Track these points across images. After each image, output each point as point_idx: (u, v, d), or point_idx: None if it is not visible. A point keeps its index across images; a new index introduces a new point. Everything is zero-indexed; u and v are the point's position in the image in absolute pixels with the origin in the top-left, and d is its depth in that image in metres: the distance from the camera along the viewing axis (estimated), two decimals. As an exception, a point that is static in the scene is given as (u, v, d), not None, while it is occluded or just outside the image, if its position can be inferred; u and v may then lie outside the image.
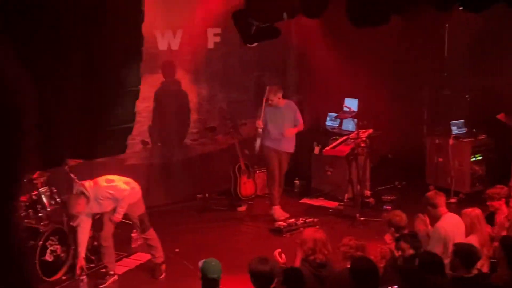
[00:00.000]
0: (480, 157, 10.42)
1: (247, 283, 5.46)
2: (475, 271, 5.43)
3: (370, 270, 5.08)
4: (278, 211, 9.54)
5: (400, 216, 6.56)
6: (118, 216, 7.46)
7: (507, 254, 5.50)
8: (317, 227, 8.61)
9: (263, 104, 9.29)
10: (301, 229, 8.47)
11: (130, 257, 8.17)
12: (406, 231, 6.43)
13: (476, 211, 6.75)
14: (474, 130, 10.61)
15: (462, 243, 6.06)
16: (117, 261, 8.01)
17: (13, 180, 2.46)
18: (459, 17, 9.43)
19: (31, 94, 2.47)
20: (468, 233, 6.65)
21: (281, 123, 9.42)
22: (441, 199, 6.83)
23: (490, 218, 7.11)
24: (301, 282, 5.01)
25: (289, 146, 9.59)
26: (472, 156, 10.36)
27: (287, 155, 9.66)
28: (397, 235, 6.30)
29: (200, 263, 5.37)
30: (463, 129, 10.63)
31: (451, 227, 6.61)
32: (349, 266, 5.44)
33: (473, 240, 6.37)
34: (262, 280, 5.11)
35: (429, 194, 7.00)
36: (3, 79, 2.35)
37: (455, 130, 10.52)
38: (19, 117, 2.44)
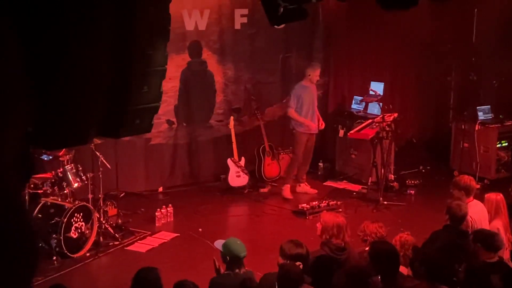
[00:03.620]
0: (506, 144, 10.33)
1: (271, 263, 5.50)
2: (496, 258, 5.40)
3: (390, 252, 5.09)
4: (287, 191, 9.75)
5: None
6: None
7: None
8: (340, 210, 8.64)
9: (300, 85, 9.46)
10: (324, 211, 8.47)
11: (154, 236, 8.27)
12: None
13: (499, 196, 6.69)
14: (500, 116, 10.50)
15: (481, 229, 6.03)
16: (141, 239, 8.13)
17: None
18: (488, 1, 9.30)
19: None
20: (491, 218, 6.60)
21: (313, 104, 9.66)
22: (474, 187, 6.78)
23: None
24: (330, 270, 5.02)
25: (316, 127, 9.74)
26: (498, 142, 10.26)
27: (315, 136, 9.82)
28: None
29: (218, 244, 5.41)
30: (489, 114, 10.53)
31: (477, 215, 6.56)
32: (367, 249, 5.45)
33: (498, 224, 6.33)
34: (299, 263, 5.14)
35: (461, 178, 6.87)
36: None
37: (481, 115, 10.42)
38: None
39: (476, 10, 10.66)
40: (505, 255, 6.02)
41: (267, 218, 9.29)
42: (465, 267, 5.13)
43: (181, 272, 6.97)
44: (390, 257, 5.05)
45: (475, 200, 6.79)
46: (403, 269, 5.49)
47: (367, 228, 5.91)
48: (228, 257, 5.29)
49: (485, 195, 6.86)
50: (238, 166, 9.91)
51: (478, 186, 9.84)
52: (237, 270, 5.24)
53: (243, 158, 9.99)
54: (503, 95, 10.58)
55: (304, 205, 9.05)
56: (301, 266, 5.10)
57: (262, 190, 10.13)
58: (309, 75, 9.58)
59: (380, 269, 4.99)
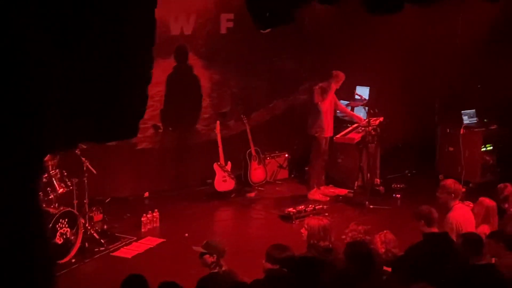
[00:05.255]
0: (491, 147, 10.39)
1: (257, 267, 5.49)
2: (483, 261, 5.43)
3: (365, 253, 5.16)
4: (317, 194, 9.89)
5: None
6: None
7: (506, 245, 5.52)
8: (326, 214, 8.65)
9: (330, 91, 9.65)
10: (311, 215, 8.48)
11: (140, 241, 8.23)
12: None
13: (493, 203, 6.72)
14: (485, 120, 10.56)
15: (469, 232, 6.06)
16: (126, 245, 8.08)
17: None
18: (473, 6, 9.35)
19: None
20: (479, 222, 6.63)
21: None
22: (459, 190, 6.81)
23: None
24: (316, 271, 5.03)
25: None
26: (483, 146, 10.32)
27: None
28: None
29: (197, 248, 5.45)
30: (474, 118, 10.59)
31: (462, 218, 6.59)
32: None
33: (486, 230, 6.35)
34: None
35: (449, 182, 6.88)
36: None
37: (466, 119, 10.48)
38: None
39: (461, 14, 10.73)
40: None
41: (254, 223, 9.28)
42: (453, 269, 5.16)
43: (167, 278, 6.92)
44: (365, 258, 5.12)
45: (460, 203, 6.83)
46: (387, 269, 5.55)
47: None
48: (215, 255, 5.32)
49: (480, 198, 6.89)
50: (224, 171, 9.90)
51: (464, 190, 9.96)
52: (223, 268, 5.29)
53: (229, 163, 9.97)
54: (488, 99, 10.65)
55: (291, 209, 9.05)
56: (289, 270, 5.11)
57: (248, 194, 10.12)
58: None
59: (356, 268, 5.06)
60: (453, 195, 6.70)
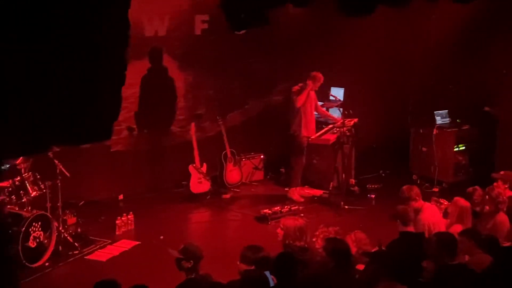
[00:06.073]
0: (463, 147, 10.51)
1: (233, 269, 5.49)
2: (457, 261, 5.48)
3: (344, 249, 5.31)
4: (296, 194, 9.92)
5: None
6: None
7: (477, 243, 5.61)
8: (302, 214, 8.67)
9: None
10: (286, 216, 8.49)
11: (115, 244, 8.16)
12: None
13: (467, 204, 6.80)
14: (457, 120, 10.68)
15: (443, 232, 6.13)
16: (101, 248, 8.02)
17: None
18: (445, 8, 9.46)
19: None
20: (453, 222, 6.70)
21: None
22: (415, 192, 6.87)
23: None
24: (292, 267, 5.05)
25: None
26: (456, 146, 10.44)
27: None
28: None
29: (174, 253, 5.41)
30: (447, 119, 10.71)
31: (432, 218, 6.68)
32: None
33: (458, 230, 6.41)
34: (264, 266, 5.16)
35: (402, 190, 6.99)
36: None
37: (439, 120, 10.59)
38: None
39: (432, 16, 10.84)
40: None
41: (229, 224, 9.27)
42: (430, 269, 5.22)
43: (142, 281, 6.88)
44: (344, 252, 5.26)
45: (427, 203, 6.89)
46: (361, 266, 5.60)
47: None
48: (192, 261, 5.28)
49: (454, 198, 6.96)
50: (200, 173, 9.87)
51: (437, 190, 10.08)
52: (200, 272, 5.27)
53: (204, 165, 9.95)
54: (460, 99, 10.77)
55: (266, 210, 9.06)
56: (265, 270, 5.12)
57: (224, 196, 10.11)
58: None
59: (335, 263, 5.14)
60: (413, 199, 6.79)
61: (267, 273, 5.06)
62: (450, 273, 5.12)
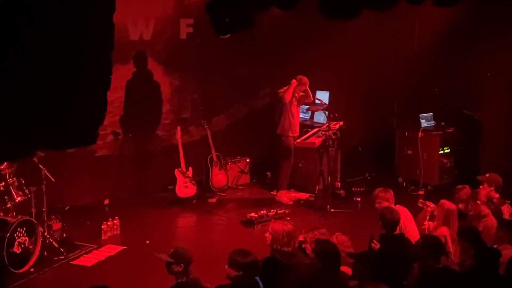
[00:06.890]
0: (448, 150, 10.57)
1: (220, 273, 5.47)
2: (441, 264, 5.52)
3: (333, 250, 5.32)
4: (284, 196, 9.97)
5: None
6: None
7: (472, 243, 5.63)
8: (288, 218, 8.68)
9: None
10: (273, 220, 8.49)
11: (100, 249, 8.12)
12: None
13: (453, 206, 6.83)
14: (442, 123, 10.75)
15: (429, 235, 6.17)
16: (87, 253, 7.97)
17: None
18: (430, 11, 9.52)
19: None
20: (439, 224, 6.73)
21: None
22: (387, 194, 6.91)
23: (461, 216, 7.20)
24: (278, 271, 5.05)
25: None
26: (441, 149, 10.50)
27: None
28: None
29: (164, 257, 5.38)
30: (432, 122, 10.77)
31: (405, 219, 6.72)
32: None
33: (444, 232, 6.45)
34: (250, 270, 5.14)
35: (374, 193, 7.04)
36: None
37: (424, 123, 10.65)
38: None
39: (417, 20, 10.91)
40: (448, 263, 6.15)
41: (216, 229, 9.26)
42: (417, 272, 5.25)
43: (128, 286, 6.86)
44: (333, 254, 5.27)
45: (399, 206, 6.93)
46: (347, 270, 5.61)
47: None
48: (182, 265, 5.26)
49: (440, 200, 6.99)
50: (185, 177, 9.85)
51: (422, 192, 10.13)
52: (191, 276, 5.25)
53: (190, 169, 9.93)
54: (445, 102, 10.84)
55: (253, 214, 9.05)
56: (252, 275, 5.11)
57: (210, 200, 10.09)
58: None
59: (324, 264, 5.17)
60: (390, 200, 6.83)
61: (257, 278, 5.05)
62: (433, 276, 5.15)
